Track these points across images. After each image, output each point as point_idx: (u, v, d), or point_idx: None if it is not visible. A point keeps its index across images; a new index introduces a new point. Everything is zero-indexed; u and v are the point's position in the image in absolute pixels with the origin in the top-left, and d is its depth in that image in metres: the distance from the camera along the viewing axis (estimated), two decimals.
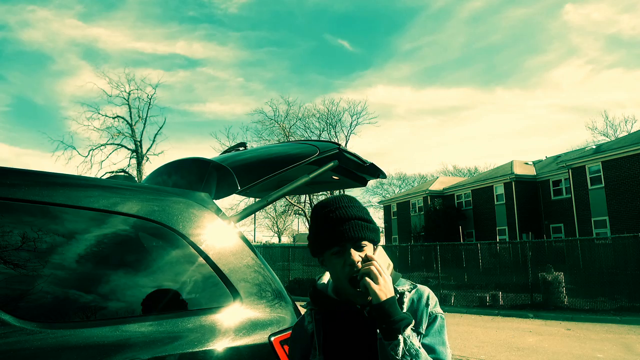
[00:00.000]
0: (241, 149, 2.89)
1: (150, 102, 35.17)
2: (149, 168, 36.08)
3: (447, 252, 17.26)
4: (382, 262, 1.19)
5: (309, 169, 2.40)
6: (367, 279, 1.13)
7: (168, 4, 55.12)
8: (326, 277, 1.37)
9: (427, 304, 1.22)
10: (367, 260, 1.18)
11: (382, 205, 40.98)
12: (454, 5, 60.72)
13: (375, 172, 2.73)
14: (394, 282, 1.24)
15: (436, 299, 1.25)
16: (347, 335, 1.23)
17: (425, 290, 1.25)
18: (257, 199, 2.46)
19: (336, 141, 2.56)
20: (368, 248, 1.22)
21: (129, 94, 34.65)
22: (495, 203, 28.68)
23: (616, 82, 62.82)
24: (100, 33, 52.96)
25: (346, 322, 1.23)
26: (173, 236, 1.67)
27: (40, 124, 60.26)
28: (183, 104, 61.50)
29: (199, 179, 2.21)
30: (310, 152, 2.35)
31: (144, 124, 35.04)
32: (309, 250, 1.29)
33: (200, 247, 1.69)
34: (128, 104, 34.81)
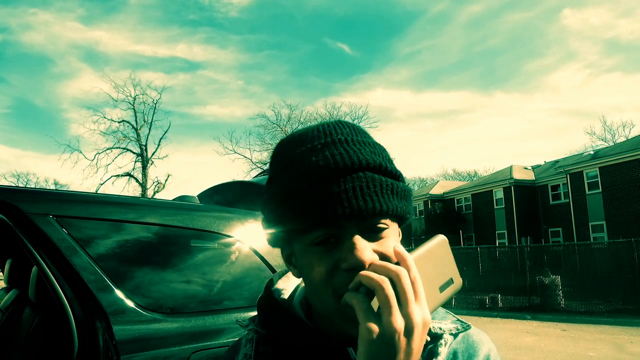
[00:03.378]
0: None
1: (155, 107, 35.76)
2: (153, 172, 36.63)
3: None
4: (427, 270, 0.55)
5: None
6: (358, 302, 0.50)
7: (169, 8, 55.76)
8: (294, 280, 0.75)
9: None
10: (385, 264, 0.53)
11: None
12: (452, 10, 61.43)
13: None
14: None
15: None
16: None
17: (484, 342, 0.64)
18: None
19: None
20: (391, 233, 0.58)
21: (135, 98, 35.23)
22: (495, 207, 29.19)
23: (615, 86, 63.59)
24: (101, 36, 53.58)
25: None
26: (248, 249, 2.18)
27: (41, 126, 60.91)
28: (183, 107, 62.19)
29: (249, 199, 2.74)
30: None
31: (149, 128, 35.61)
32: (266, 236, 0.65)
33: (265, 257, 2.20)
34: (133, 109, 35.36)
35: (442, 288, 0.56)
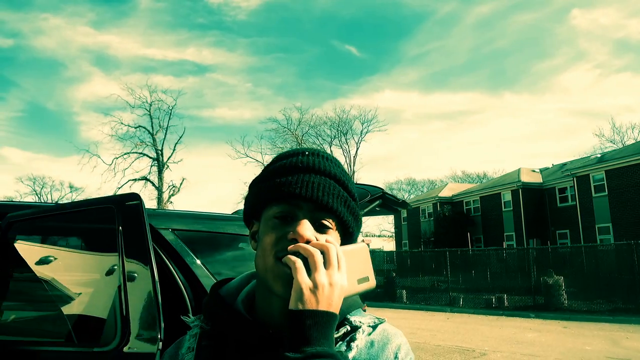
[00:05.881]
0: None
1: (171, 113, 36.90)
2: (168, 176, 37.75)
3: (456, 257, 18.49)
4: (349, 263, 0.69)
5: (363, 205, 3.72)
6: (298, 261, 0.65)
7: (178, 12, 57.08)
8: (243, 282, 0.84)
9: (395, 357, 0.70)
10: (320, 242, 0.68)
11: None
12: (460, 11, 61.92)
13: (404, 204, 4.03)
14: (348, 310, 0.75)
15: (412, 355, 0.73)
16: None
17: (397, 336, 0.73)
18: None
19: (380, 186, 3.81)
20: (333, 235, 0.73)
21: (151, 105, 36.39)
22: (503, 210, 29.68)
23: (625, 86, 63.35)
24: (112, 40, 55.17)
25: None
26: None
27: (53, 129, 62.74)
28: (192, 109, 63.77)
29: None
30: (364, 195, 3.67)
31: (165, 134, 36.75)
32: (242, 213, 0.82)
33: None
34: (149, 115, 36.52)
35: (360, 281, 0.71)
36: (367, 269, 0.72)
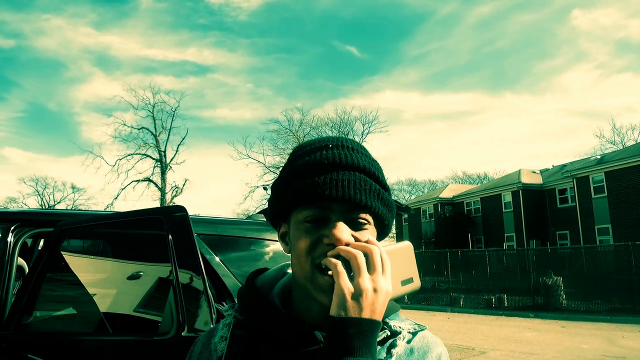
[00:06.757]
0: None
1: (174, 114, 37.22)
2: (171, 177, 38.05)
3: (456, 258, 18.76)
4: (393, 264, 0.67)
5: None
6: (339, 265, 0.63)
7: (179, 12, 57.30)
8: (278, 273, 0.83)
9: None
10: (362, 243, 0.66)
11: None
12: (461, 11, 62.03)
13: (407, 209, 4.28)
14: (387, 313, 0.72)
15: None
16: None
17: (437, 344, 0.72)
18: None
19: None
20: (370, 231, 0.70)
21: (154, 106, 36.71)
22: (504, 211, 29.92)
23: (626, 86, 63.39)
24: (113, 40, 55.54)
25: (288, 357, 0.69)
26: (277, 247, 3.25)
27: (54, 129, 63.21)
28: (193, 110, 64.24)
29: None
30: None
31: (168, 135, 37.06)
32: (268, 214, 0.78)
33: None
34: (152, 116, 36.86)
35: (403, 283, 0.68)
36: (412, 269, 0.70)
